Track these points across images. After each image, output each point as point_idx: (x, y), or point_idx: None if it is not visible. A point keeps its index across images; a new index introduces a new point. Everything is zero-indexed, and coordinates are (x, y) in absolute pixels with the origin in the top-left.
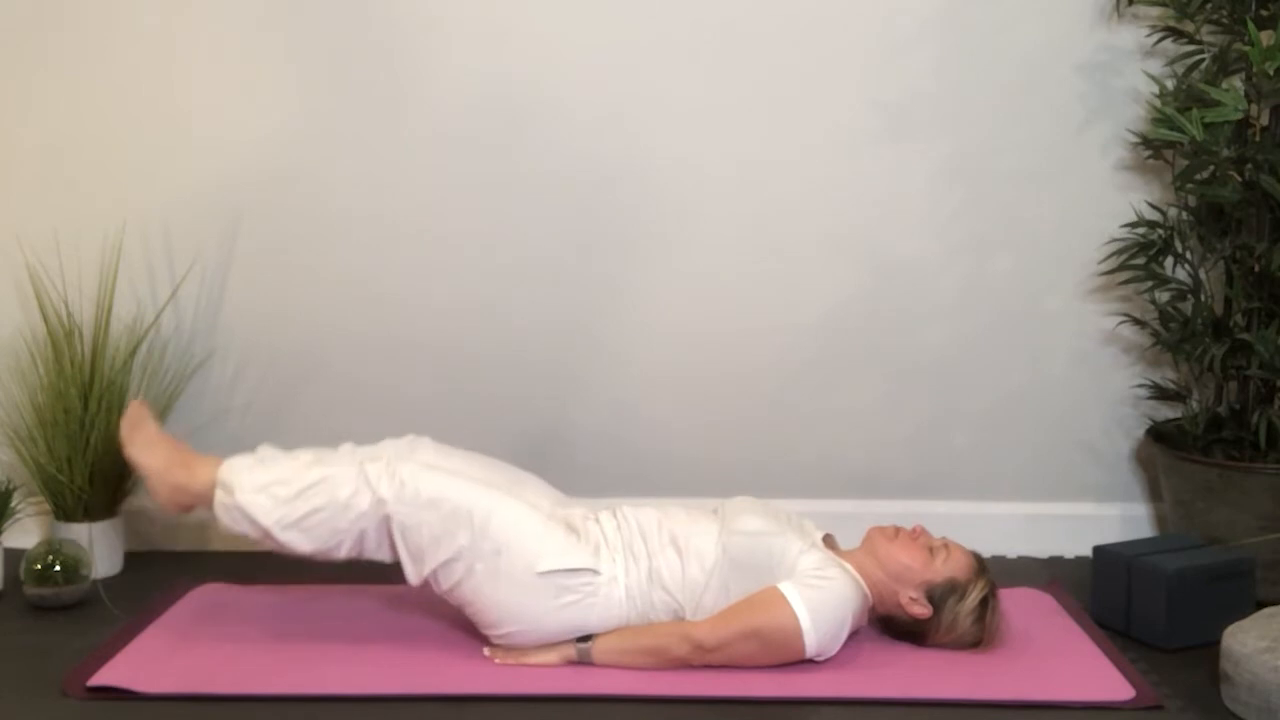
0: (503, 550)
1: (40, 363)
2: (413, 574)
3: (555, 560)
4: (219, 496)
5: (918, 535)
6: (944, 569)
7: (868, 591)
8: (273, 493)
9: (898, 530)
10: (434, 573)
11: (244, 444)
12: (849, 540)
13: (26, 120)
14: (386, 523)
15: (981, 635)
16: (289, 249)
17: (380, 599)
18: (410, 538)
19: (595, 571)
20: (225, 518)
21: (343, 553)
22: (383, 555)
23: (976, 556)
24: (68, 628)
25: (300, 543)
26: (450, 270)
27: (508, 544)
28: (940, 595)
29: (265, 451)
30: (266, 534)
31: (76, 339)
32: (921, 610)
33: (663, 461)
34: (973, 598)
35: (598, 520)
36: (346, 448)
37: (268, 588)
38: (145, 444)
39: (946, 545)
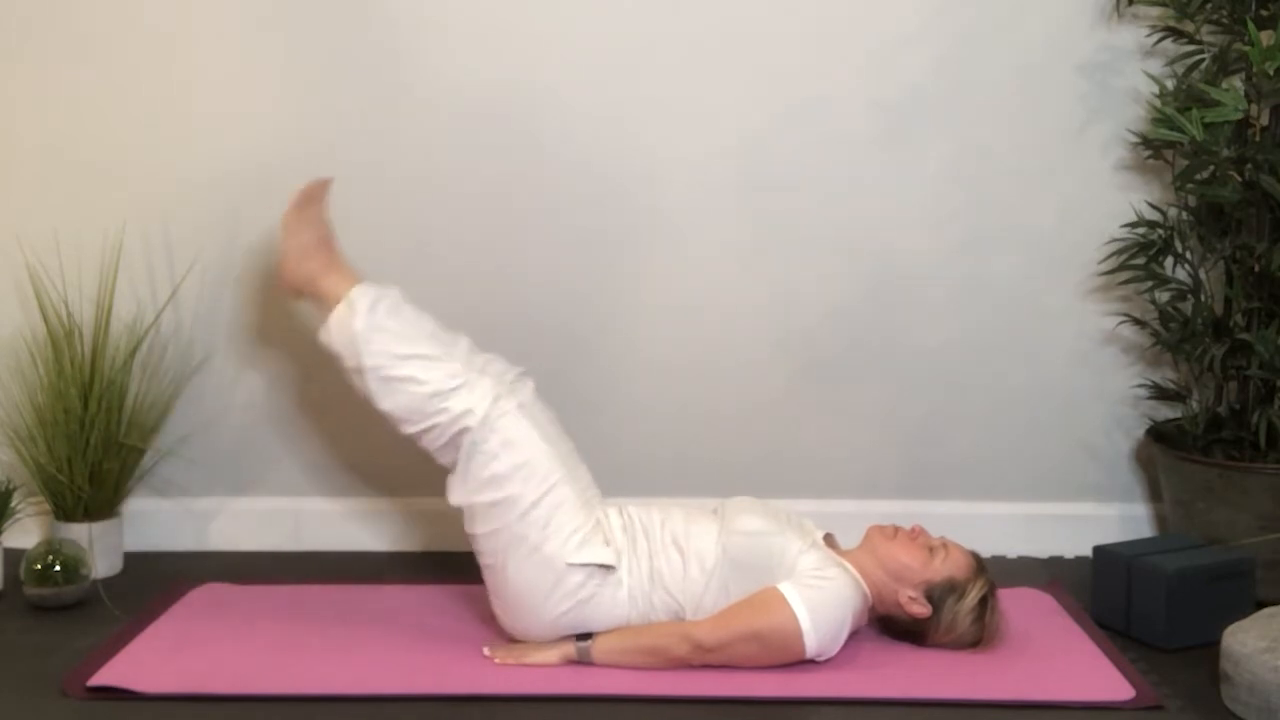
0: (547, 525)
1: (40, 363)
2: (458, 494)
3: (587, 554)
4: (340, 311)
5: (917, 535)
6: (943, 568)
7: (867, 591)
8: (388, 341)
9: (897, 530)
10: (474, 508)
11: (244, 444)
12: (849, 540)
13: (26, 120)
14: (463, 435)
15: (981, 634)
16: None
17: (380, 599)
18: (475, 463)
19: (614, 570)
20: (335, 333)
21: (409, 430)
22: (442, 456)
23: (975, 556)
24: (68, 628)
25: (382, 399)
26: (450, 270)
27: (554, 521)
28: (939, 595)
29: (397, 295)
30: (360, 370)
31: (76, 339)
32: (920, 609)
33: (662, 461)
34: (972, 597)
35: (607, 516)
36: (465, 343)
37: (268, 588)
38: (303, 221)
39: (945, 545)
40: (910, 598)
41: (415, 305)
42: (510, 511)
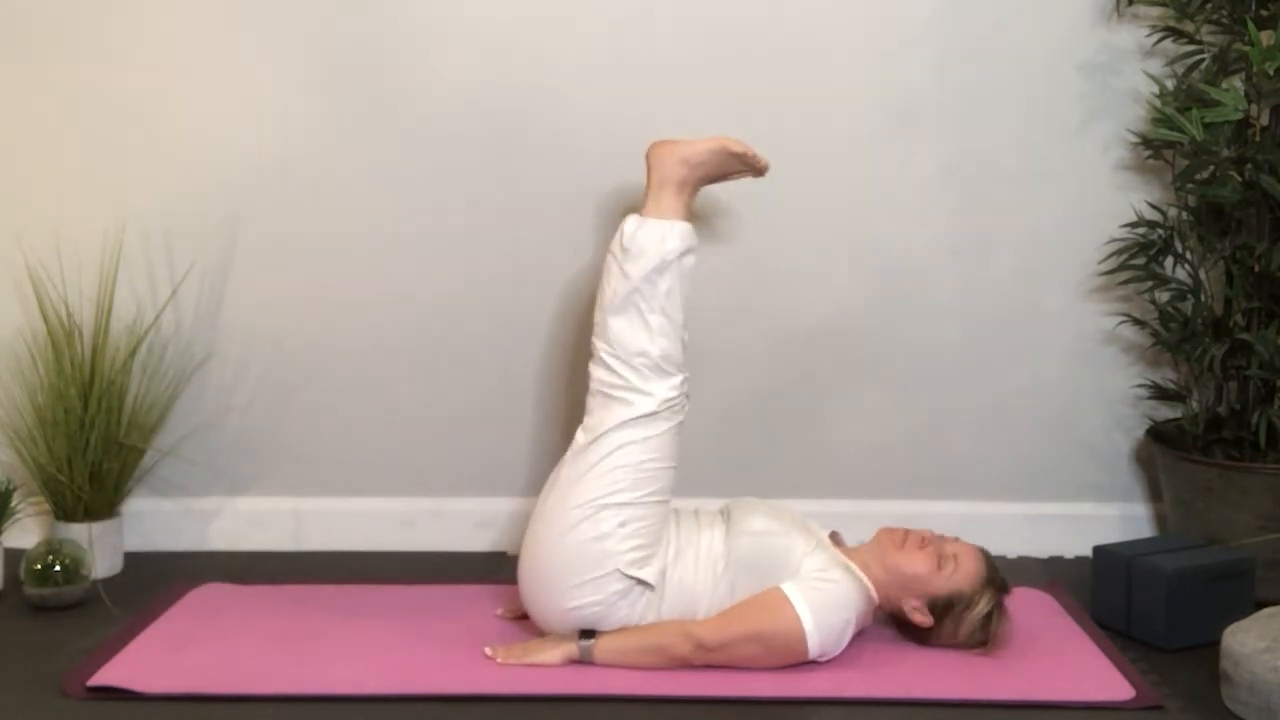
0: (624, 525)
1: (40, 363)
2: (580, 442)
3: (639, 570)
4: (663, 228)
5: (927, 542)
6: (949, 583)
7: (873, 593)
8: (669, 288)
9: (906, 535)
10: (578, 473)
11: (244, 444)
12: (851, 540)
13: (27, 120)
14: (625, 406)
15: (986, 641)
16: (289, 249)
17: (381, 599)
18: (612, 437)
19: (650, 588)
20: (645, 236)
21: (603, 352)
22: (590, 402)
23: (987, 565)
24: (68, 628)
25: (621, 310)
26: (450, 270)
27: (629, 528)
28: (943, 607)
29: (692, 264)
30: (629, 278)
31: (76, 339)
32: (923, 619)
33: None
34: (978, 610)
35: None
36: (687, 338)
37: (268, 588)
38: (718, 155)
39: (956, 556)
40: (914, 607)
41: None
42: (605, 493)
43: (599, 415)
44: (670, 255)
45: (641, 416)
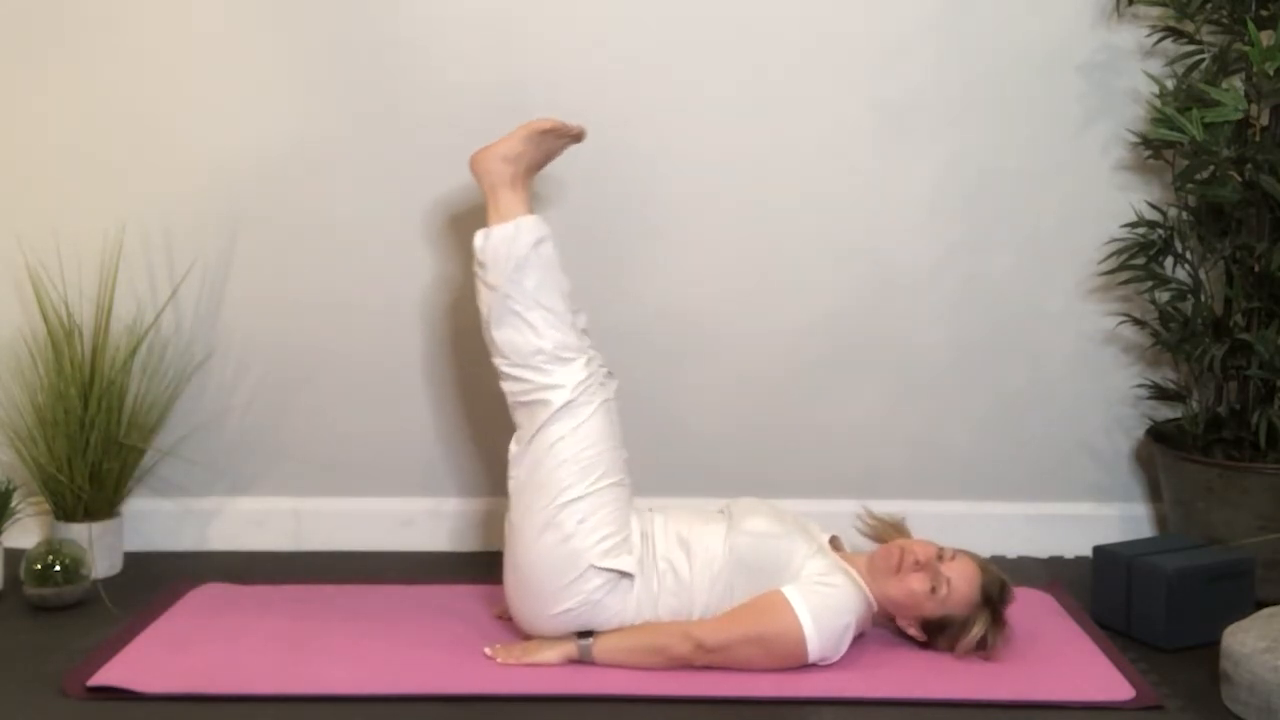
0: (584, 520)
1: (40, 363)
2: (515, 453)
3: (612, 561)
4: (508, 230)
5: (922, 565)
6: (942, 607)
7: (872, 600)
8: (533, 279)
9: (902, 559)
10: (522, 477)
11: (244, 444)
12: (852, 541)
13: (27, 120)
14: (541, 406)
15: (983, 655)
16: (289, 249)
17: (380, 599)
18: (543, 436)
19: (632, 578)
20: (494, 243)
21: (503, 367)
22: (514, 414)
23: (983, 585)
24: (68, 628)
25: (499, 324)
26: (450, 270)
27: (594, 519)
28: (935, 628)
29: (554, 245)
30: (494, 289)
31: (76, 339)
32: (917, 635)
33: (663, 462)
34: (972, 635)
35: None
36: (584, 320)
37: (268, 588)
38: (533, 138)
39: (950, 580)
40: (907, 623)
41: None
42: (556, 494)
43: (524, 423)
44: (524, 250)
45: (561, 409)
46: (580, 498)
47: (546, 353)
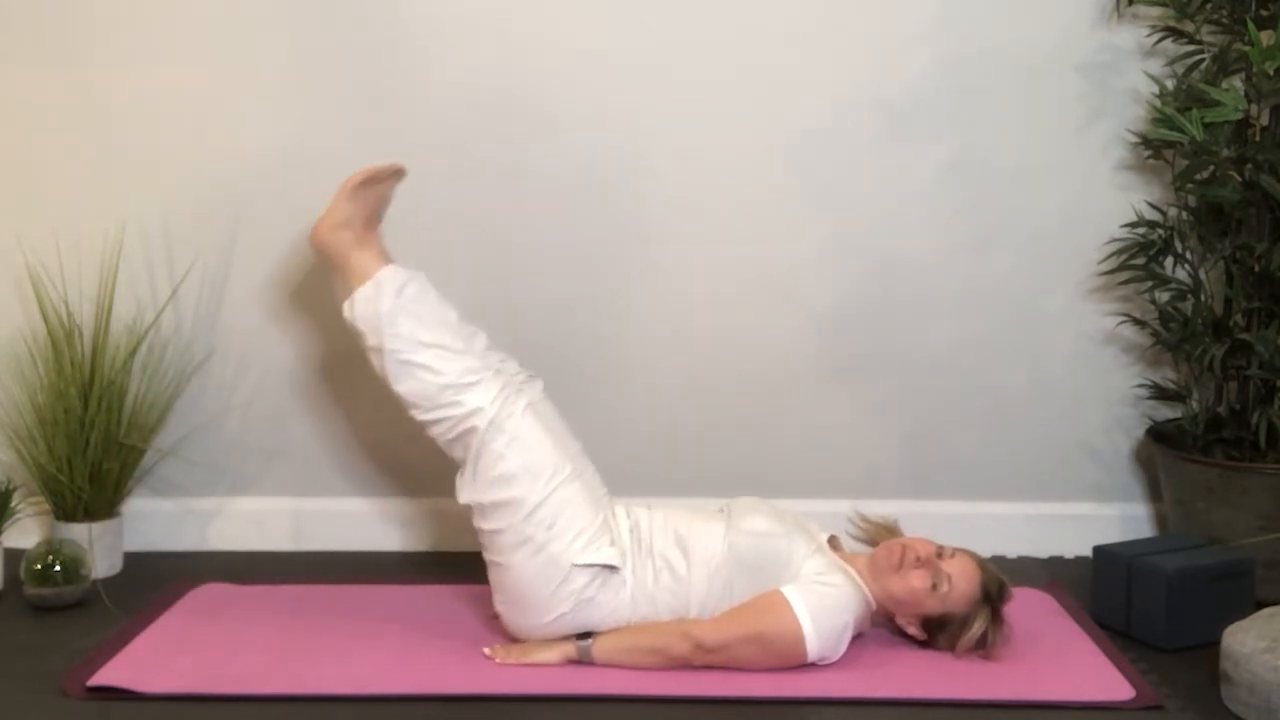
0: (554, 524)
1: (40, 363)
2: (464, 492)
3: (593, 555)
4: (368, 290)
5: (923, 561)
6: (942, 605)
7: (871, 599)
8: (412, 326)
9: (903, 554)
10: (481, 505)
11: (244, 444)
12: (850, 541)
13: (27, 120)
14: (471, 433)
15: (982, 654)
16: (289, 249)
17: (380, 599)
18: (482, 462)
19: (617, 571)
20: (360, 309)
21: (418, 415)
22: (449, 451)
23: (983, 583)
24: (68, 628)
25: (396, 379)
26: (449, 270)
27: (560, 521)
28: (936, 625)
29: (423, 281)
30: (380, 350)
31: (76, 339)
32: (917, 634)
33: (662, 461)
34: (972, 632)
35: (615, 516)
36: (483, 339)
37: (268, 588)
38: (362, 194)
39: (950, 577)
40: (907, 622)
41: (440, 293)
42: (517, 511)
43: (461, 455)
44: (389, 303)
45: (488, 429)
46: (540, 504)
47: (452, 385)
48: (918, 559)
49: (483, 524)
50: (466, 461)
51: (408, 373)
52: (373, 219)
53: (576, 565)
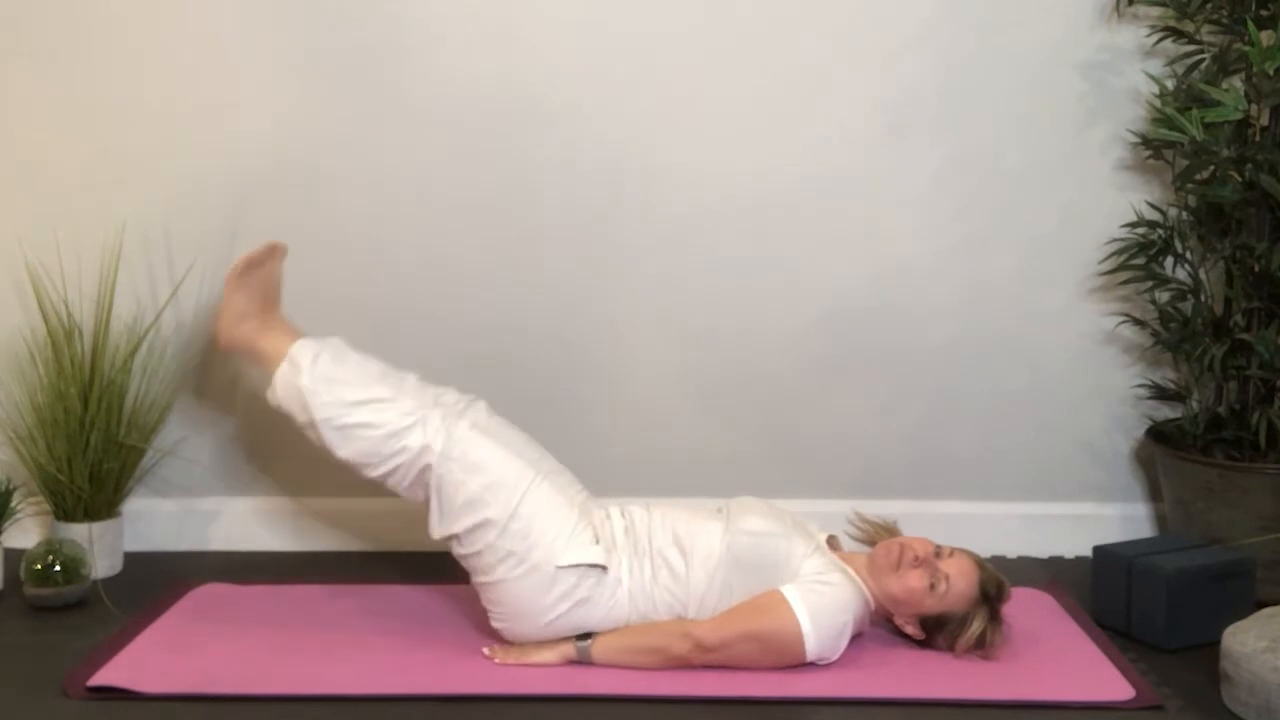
0: (529, 534)
1: (40, 363)
2: (437, 528)
3: (577, 555)
4: (284, 370)
5: (922, 560)
6: (941, 604)
7: (869, 598)
8: (336, 390)
9: (901, 555)
10: (457, 535)
11: (244, 444)
12: (850, 541)
13: (27, 120)
14: (427, 470)
15: (981, 652)
16: (289, 249)
17: (380, 599)
18: (445, 493)
19: (605, 570)
20: (281, 392)
21: (373, 474)
22: (411, 495)
23: (981, 582)
24: (68, 628)
25: (340, 446)
26: (450, 271)
27: (535, 529)
28: (934, 625)
29: (338, 344)
30: (313, 424)
31: (76, 339)
32: (915, 633)
33: (663, 461)
34: (971, 631)
35: (608, 516)
36: (412, 379)
37: (268, 588)
38: (248, 283)
39: (948, 576)
40: (906, 621)
41: (359, 351)
42: (491, 530)
43: (423, 494)
44: (307, 376)
45: (439, 460)
46: (511, 517)
47: (394, 433)
48: (916, 558)
49: (462, 551)
50: (430, 499)
51: (346, 437)
52: (269, 302)
53: (561, 567)
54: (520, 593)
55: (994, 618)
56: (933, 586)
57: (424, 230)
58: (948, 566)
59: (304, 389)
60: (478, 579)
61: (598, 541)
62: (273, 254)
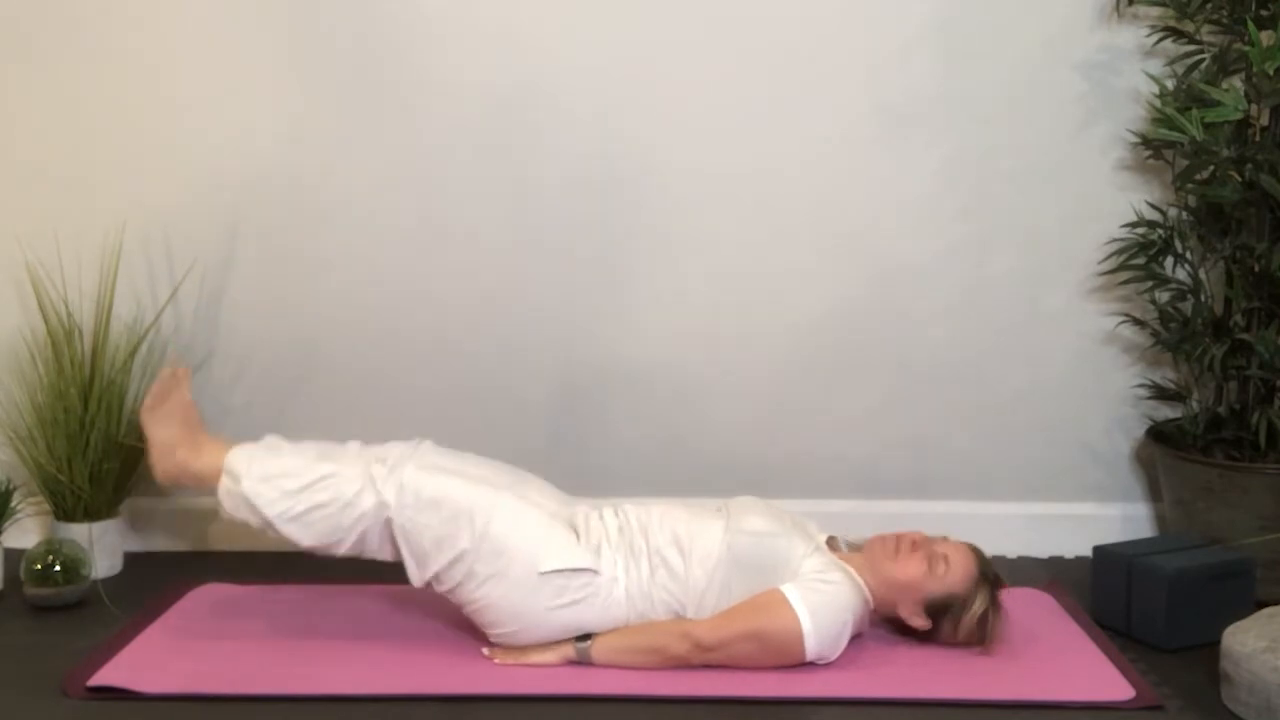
0: (504, 551)
1: (40, 363)
2: (416, 576)
3: (557, 560)
4: (225, 483)
5: (917, 546)
6: (942, 584)
7: (869, 597)
8: (278, 484)
9: (898, 543)
10: (437, 575)
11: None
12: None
13: (27, 120)
14: (389, 525)
15: (984, 639)
16: (289, 249)
17: (380, 599)
18: (413, 540)
19: (596, 571)
20: (228, 504)
21: (344, 550)
22: (384, 555)
23: (979, 563)
24: (68, 628)
25: (302, 536)
26: (450, 270)
27: (509, 545)
28: (939, 608)
29: (272, 441)
30: (268, 524)
31: (76, 339)
32: (921, 623)
33: (663, 461)
34: (974, 611)
35: (601, 518)
36: (354, 446)
37: (268, 587)
38: (163, 415)
39: (947, 557)
40: (911, 612)
41: (291, 440)
42: (466, 559)
43: (391, 551)
44: (248, 481)
45: (396, 513)
46: (481, 540)
47: (348, 504)
48: (913, 544)
49: (445, 585)
50: (401, 550)
51: (303, 525)
52: (190, 425)
53: (543, 573)
54: (510, 608)
55: (994, 600)
56: (932, 568)
57: (424, 227)
58: (944, 549)
59: (248, 494)
60: (467, 606)
61: (580, 541)
62: (176, 381)
